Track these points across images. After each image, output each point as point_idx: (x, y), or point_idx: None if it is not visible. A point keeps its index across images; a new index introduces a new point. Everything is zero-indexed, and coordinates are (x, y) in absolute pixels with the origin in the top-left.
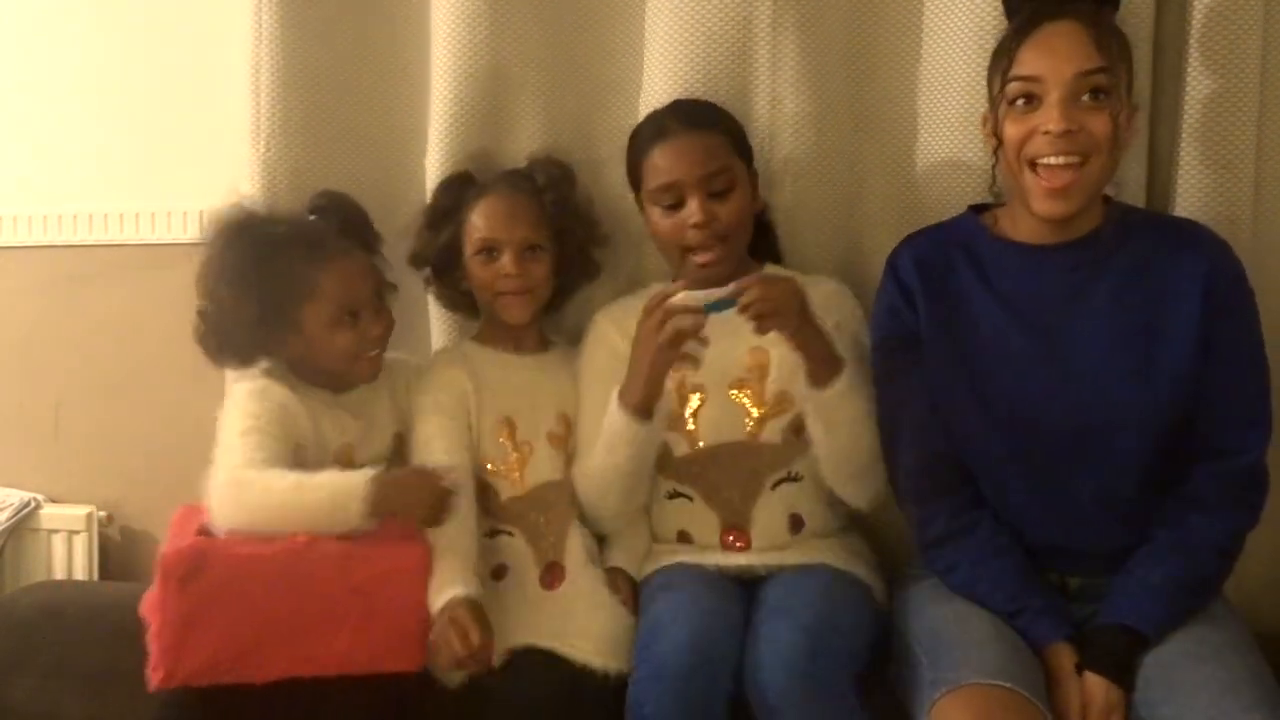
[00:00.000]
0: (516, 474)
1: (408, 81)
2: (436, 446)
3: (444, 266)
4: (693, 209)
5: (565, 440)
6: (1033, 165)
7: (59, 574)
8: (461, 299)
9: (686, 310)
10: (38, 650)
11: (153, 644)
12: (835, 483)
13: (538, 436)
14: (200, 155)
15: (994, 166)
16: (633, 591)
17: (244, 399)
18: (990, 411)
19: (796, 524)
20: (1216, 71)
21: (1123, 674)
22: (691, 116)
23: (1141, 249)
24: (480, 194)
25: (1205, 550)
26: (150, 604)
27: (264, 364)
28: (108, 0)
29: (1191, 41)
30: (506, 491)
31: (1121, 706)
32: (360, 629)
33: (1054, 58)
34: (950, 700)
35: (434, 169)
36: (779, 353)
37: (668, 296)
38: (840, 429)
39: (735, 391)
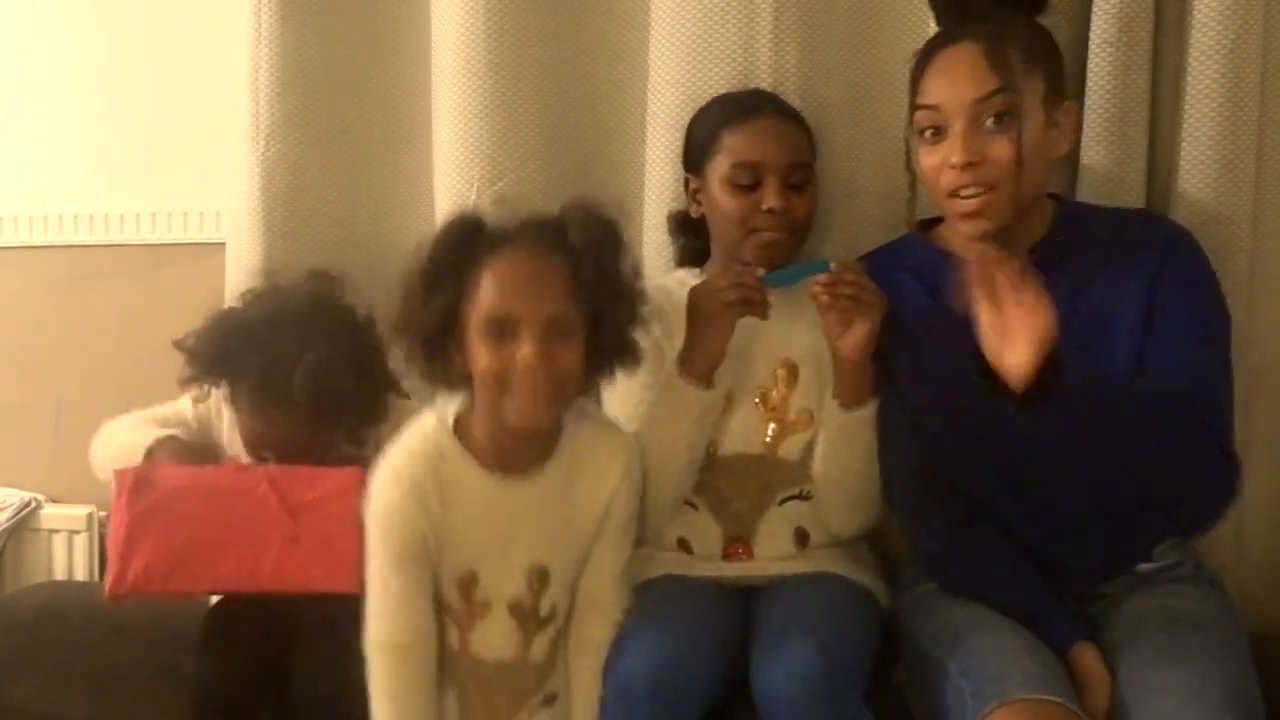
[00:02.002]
0: (458, 631)
1: (407, 81)
2: (390, 598)
3: (436, 340)
4: (771, 192)
5: (535, 606)
6: (948, 195)
7: (59, 574)
8: (455, 379)
9: (749, 272)
10: (38, 650)
11: (108, 554)
12: (832, 508)
13: (499, 600)
14: (200, 155)
15: (911, 195)
16: None
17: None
18: (958, 425)
19: (802, 539)
20: (1216, 71)
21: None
22: (782, 106)
23: (1094, 250)
24: (496, 246)
25: (1130, 392)
26: (109, 519)
27: None
28: (108, 0)
29: (1191, 41)
30: (452, 642)
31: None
32: (290, 548)
33: (952, 85)
34: (1001, 716)
35: (439, 168)
36: (808, 368)
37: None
38: (858, 453)
39: (759, 402)
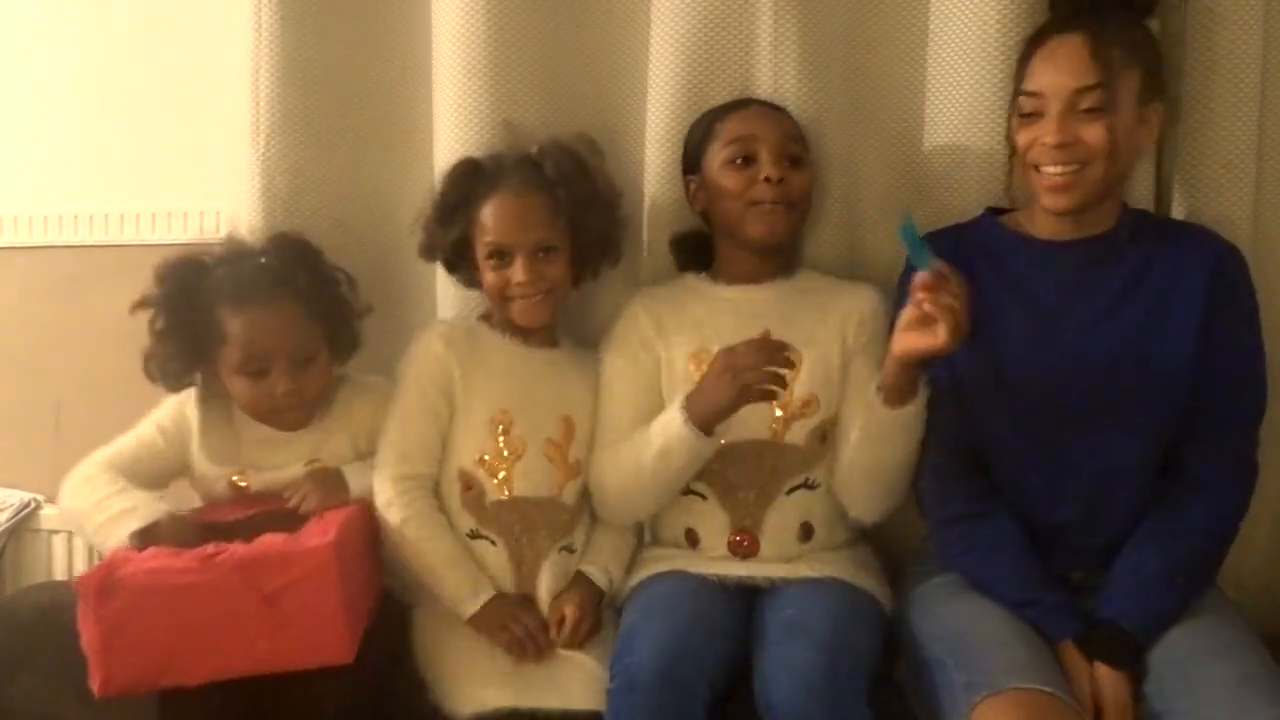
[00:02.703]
0: (503, 474)
1: (407, 79)
2: (409, 431)
3: (456, 260)
4: (767, 163)
5: (564, 451)
6: (1036, 169)
7: (59, 574)
8: (478, 283)
9: (782, 348)
10: (38, 651)
11: (88, 658)
12: (857, 496)
13: (534, 439)
14: (200, 155)
15: (1010, 172)
16: (593, 609)
17: (165, 406)
18: (1006, 394)
19: (807, 533)
20: (1216, 71)
21: (1130, 664)
22: (770, 103)
23: (1151, 248)
24: (491, 189)
25: (1199, 533)
26: (80, 624)
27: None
28: (107, 0)
29: (1191, 41)
30: (492, 493)
31: (1130, 699)
32: (277, 633)
33: (1055, 74)
34: (992, 704)
35: (439, 168)
36: (811, 355)
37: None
38: (897, 449)
39: None
